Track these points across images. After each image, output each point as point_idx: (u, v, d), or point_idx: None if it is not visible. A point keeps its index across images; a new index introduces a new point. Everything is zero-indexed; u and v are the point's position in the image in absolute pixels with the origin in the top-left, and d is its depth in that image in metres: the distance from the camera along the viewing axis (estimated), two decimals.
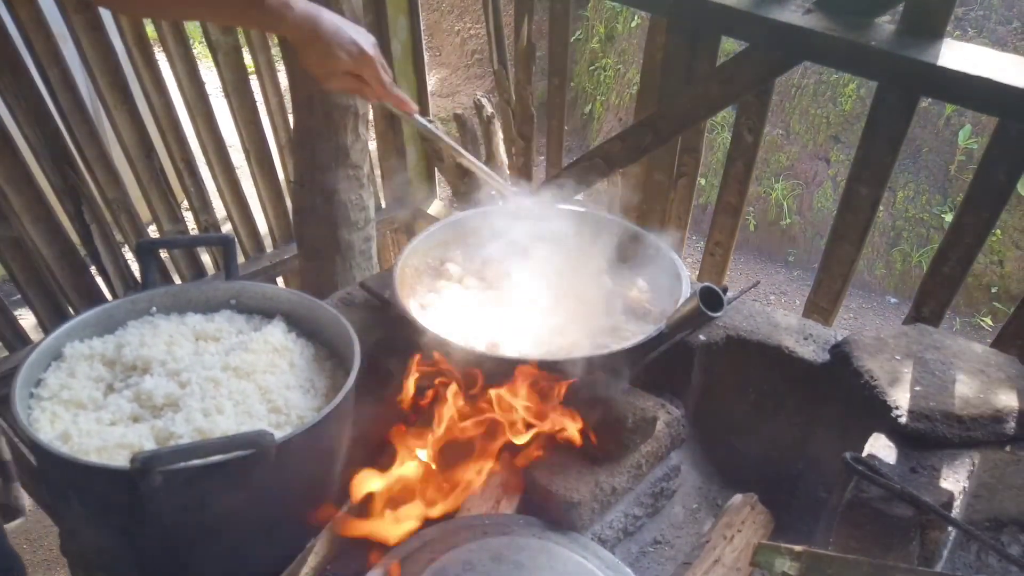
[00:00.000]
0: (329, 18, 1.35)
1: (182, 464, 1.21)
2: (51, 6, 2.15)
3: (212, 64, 2.55)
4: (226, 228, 2.99)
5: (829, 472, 1.77)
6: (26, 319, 2.50)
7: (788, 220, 5.18)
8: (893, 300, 4.87)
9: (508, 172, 3.00)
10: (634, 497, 1.67)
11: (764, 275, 5.15)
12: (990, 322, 4.55)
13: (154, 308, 1.70)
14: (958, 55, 1.57)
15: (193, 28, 4.37)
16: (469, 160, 1.79)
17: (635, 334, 1.66)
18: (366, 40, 1.40)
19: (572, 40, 3.25)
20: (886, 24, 1.71)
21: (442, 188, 3.69)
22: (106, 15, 2.26)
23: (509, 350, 1.67)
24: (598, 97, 6.60)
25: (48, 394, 1.45)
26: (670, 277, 1.78)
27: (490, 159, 2.96)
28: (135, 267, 2.64)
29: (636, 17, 6.37)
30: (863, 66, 1.73)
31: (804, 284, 5.07)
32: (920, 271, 4.71)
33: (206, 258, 3.01)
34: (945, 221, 4.63)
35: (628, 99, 6.24)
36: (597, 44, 6.71)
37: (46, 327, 2.45)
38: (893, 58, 1.62)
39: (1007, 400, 1.52)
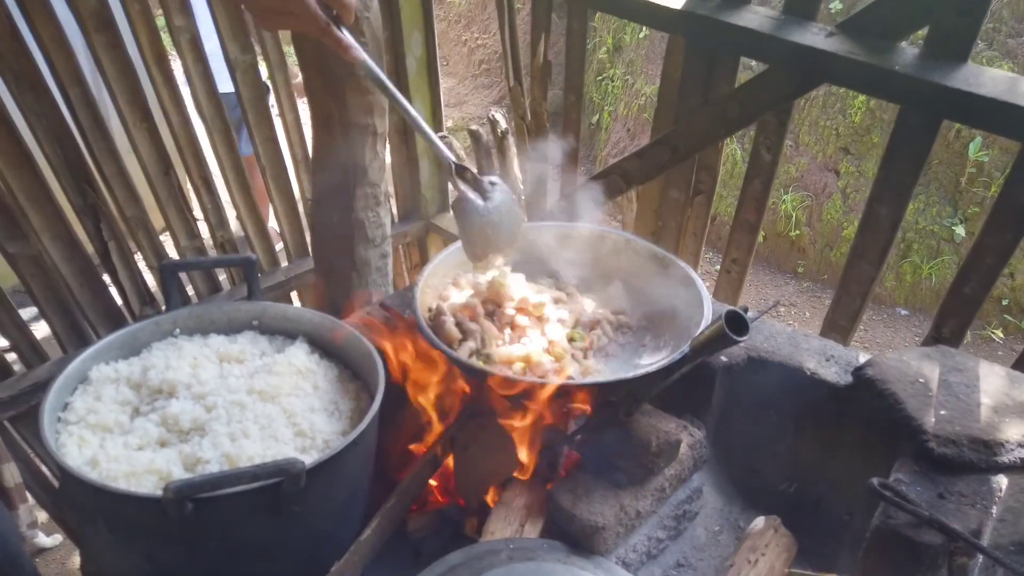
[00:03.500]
0: None
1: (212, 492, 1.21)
2: (72, 25, 2.17)
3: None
4: (241, 243, 2.99)
5: (851, 495, 1.76)
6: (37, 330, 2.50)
7: (797, 232, 5.18)
8: (903, 312, 4.87)
9: (523, 188, 3.01)
10: (657, 520, 1.67)
11: (774, 287, 5.15)
12: (1001, 334, 4.55)
13: (177, 330, 1.71)
14: (983, 79, 1.57)
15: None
16: (414, 119, 1.48)
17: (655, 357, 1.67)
18: None
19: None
20: (909, 47, 1.71)
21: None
22: (125, 31, 2.27)
23: (529, 372, 1.67)
24: (606, 107, 6.62)
25: (75, 418, 1.45)
26: (691, 297, 1.78)
27: (504, 175, 2.96)
28: (151, 282, 2.66)
29: (644, 29, 6.39)
30: (886, 89, 1.73)
31: (813, 296, 5.07)
32: (930, 283, 4.72)
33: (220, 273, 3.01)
34: (955, 233, 4.64)
35: (636, 109, 6.26)
36: (605, 55, 6.74)
37: (63, 344, 2.45)
38: (917, 82, 1.62)
39: None
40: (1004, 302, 4.58)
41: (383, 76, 1.40)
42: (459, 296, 1.83)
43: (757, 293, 5.06)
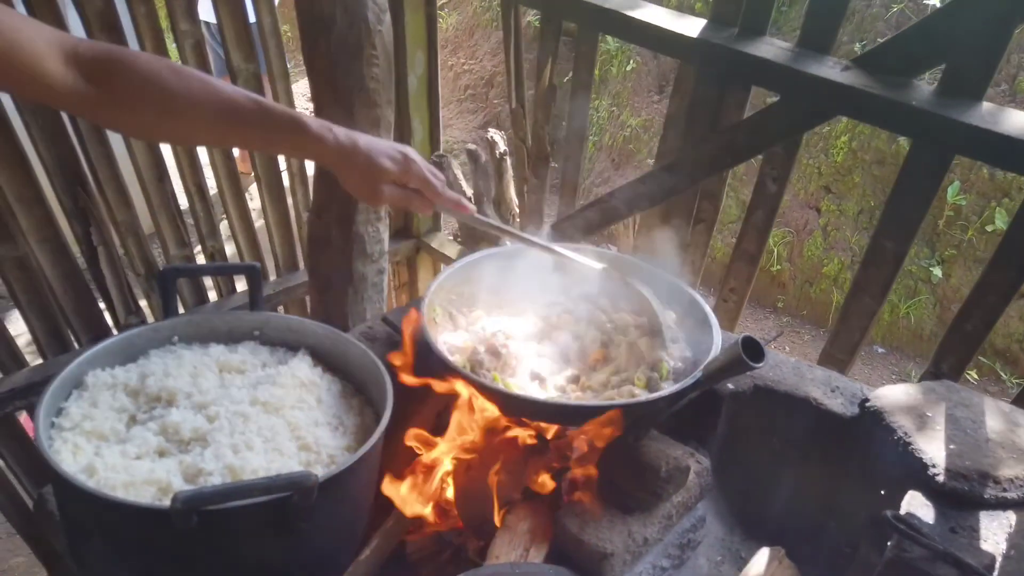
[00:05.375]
0: (365, 136, 1.34)
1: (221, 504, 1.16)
2: (76, 23, 2.12)
3: None
4: (231, 254, 2.94)
5: (853, 527, 1.75)
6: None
7: (778, 267, 5.24)
8: (880, 350, 4.93)
9: (517, 211, 3.00)
10: (662, 548, 1.64)
11: (754, 320, 5.19)
12: (975, 375, 4.62)
13: (176, 337, 1.65)
14: (999, 118, 1.60)
15: None
16: (545, 245, 1.68)
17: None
18: (405, 147, 1.38)
19: (566, 80, 3.25)
20: (924, 84, 1.74)
21: (446, 222, 3.67)
22: (130, 34, 2.23)
23: (539, 391, 1.64)
24: (591, 138, 6.68)
25: (70, 424, 1.39)
26: (700, 324, 1.78)
27: (499, 197, 2.95)
28: (138, 291, 2.58)
29: (631, 62, 6.47)
30: (901, 123, 1.76)
31: (792, 331, 5.12)
32: (908, 322, 4.78)
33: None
34: (932, 274, 4.72)
35: (621, 140, 6.33)
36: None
37: (43, 350, 2.37)
38: (933, 117, 1.64)
39: None
40: (978, 348, 4.66)
41: (491, 221, 1.60)
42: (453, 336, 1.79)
43: (737, 327, 5.09)
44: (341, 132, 1.29)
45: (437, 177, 1.41)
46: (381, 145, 1.33)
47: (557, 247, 1.67)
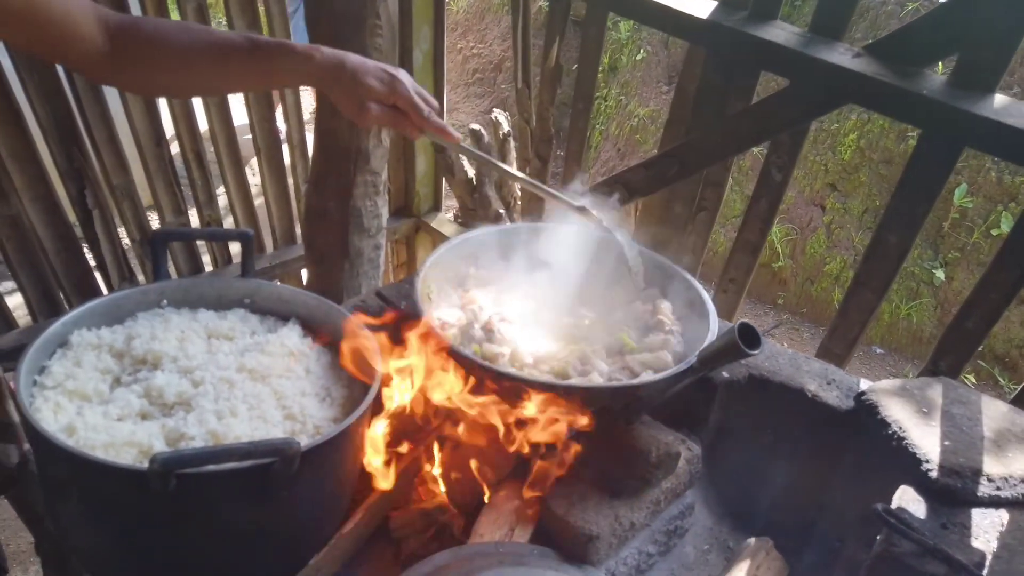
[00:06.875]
0: (355, 55, 1.37)
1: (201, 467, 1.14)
2: None
3: None
4: (228, 224, 2.91)
5: (844, 521, 1.73)
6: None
7: (780, 263, 5.21)
8: (879, 350, 4.91)
9: (519, 192, 2.97)
10: (649, 534, 1.63)
11: (753, 316, 5.17)
12: (973, 379, 4.60)
13: (165, 301, 1.63)
14: (1011, 110, 1.57)
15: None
16: (530, 182, 1.68)
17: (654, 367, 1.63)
18: (397, 69, 1.40)
19: (575, 68, 3.23)
20: (935, 74, 1.71)
21: (447, 202, 3.64)
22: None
23: (531, 371, 1.62)
24: (597, 127, 6.64)
25: (52, 383, 1.37)
26: (696, 312, 1.75)
27: (501, 178, 2.93)
28: (132, 256, 2.56)
29: (641, 51, 6.42)
30: (911, 113, 1.72)
31: (791, 328, 5.09)
32: (908, 324, 4.76)
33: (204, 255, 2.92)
34: (935, 276, 4.69)
35: (628, 130, 6.29)
36: (600, 74, 6.76)
37: (35, 312, 2.35)
38: (944, 107, 1.61)
39: None
40: (978, 347, 4.63)
41: (480, 153, 1.60)
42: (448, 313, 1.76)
43: (735, 319, 5.07)
44: (328, 51, 1.33)
45: (428, 103, 1.43)
46: (370, 65, 1.36)
47: (539, 184, 1.67)
